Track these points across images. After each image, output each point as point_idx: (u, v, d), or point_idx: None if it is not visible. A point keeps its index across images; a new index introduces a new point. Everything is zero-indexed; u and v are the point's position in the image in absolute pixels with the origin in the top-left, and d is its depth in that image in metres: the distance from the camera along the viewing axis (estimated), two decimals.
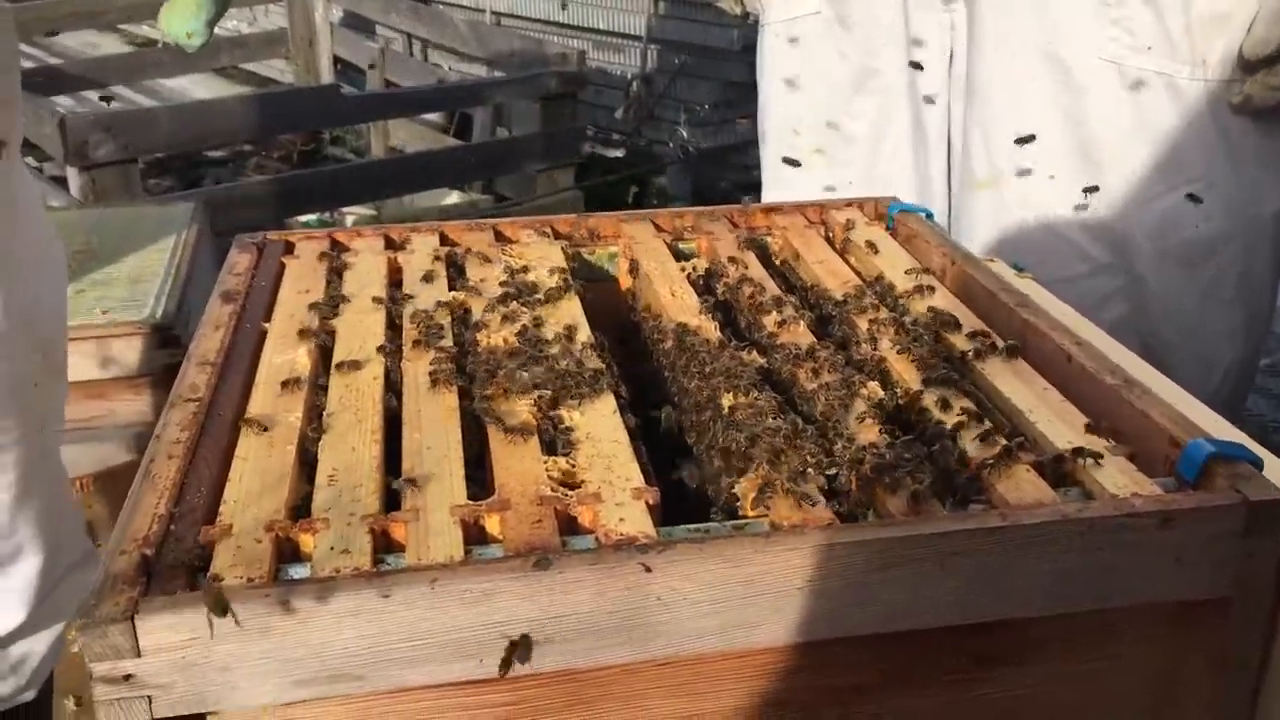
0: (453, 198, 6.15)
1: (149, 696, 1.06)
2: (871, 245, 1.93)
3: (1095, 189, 2.44)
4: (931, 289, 1.75)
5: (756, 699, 1.23)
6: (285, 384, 1.47)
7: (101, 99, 6.98)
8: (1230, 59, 2.35)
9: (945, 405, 1.41)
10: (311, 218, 5.58)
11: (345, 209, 5.82)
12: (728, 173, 6.32)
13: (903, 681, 1.26)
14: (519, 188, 5.99)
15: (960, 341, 1.59)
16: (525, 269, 1.82)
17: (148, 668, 1.06)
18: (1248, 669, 1.27)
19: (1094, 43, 2.40)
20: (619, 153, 6.59)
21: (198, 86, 7.74)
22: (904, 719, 1.27)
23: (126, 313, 2.59)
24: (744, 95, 6.16)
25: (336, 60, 7.41)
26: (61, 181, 4.71)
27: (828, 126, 2.79)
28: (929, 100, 2.68)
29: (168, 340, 2.53)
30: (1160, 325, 2.51)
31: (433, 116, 6.83)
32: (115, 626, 1.03)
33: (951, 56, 2.62)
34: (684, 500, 1.50)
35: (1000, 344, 1.57)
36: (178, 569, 1.12)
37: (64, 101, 6.46)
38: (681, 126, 6.27)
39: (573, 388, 1.44)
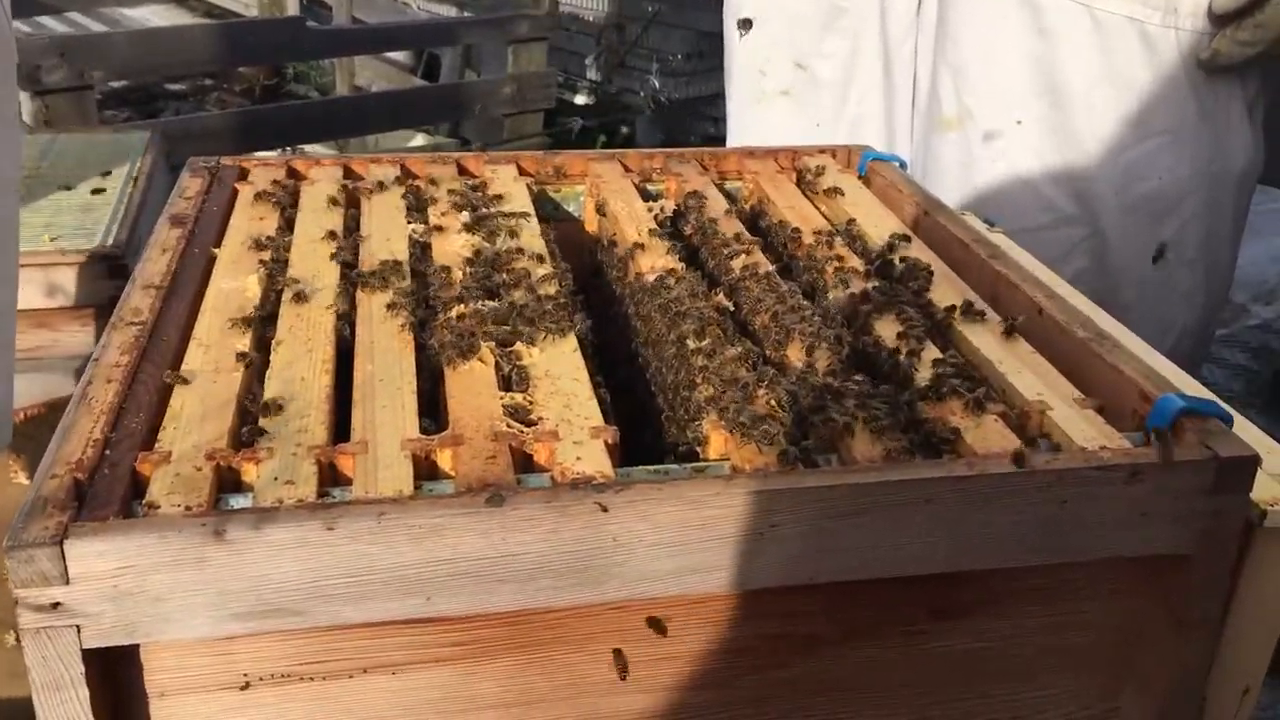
0: (418, 139, 6.04)
1: (77, 626, 1.01)
2: (843, 193, 1.89)
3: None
4: (906, 238, 1.71)
5: (712, 645, 1.20)
6: (233, 311, 1.41)
7: None
8: (1201, 8, 2.32)
9: (913, 353, 1.38)
10: (272, 154, 5.45)
11: (307, 146, 5.69)
12: (699, 124, 6.25)
13: (861, 632, 1.23)
14: (486, 132, 5.89)
15: (932, 292, 1.56)
16: (488, 203, 1.76)
17: (76, 596, 1.01)
18: (1207, 627, 1.25)
19: None
20: (589, 100, 6.49)
21: (157, 16, 7.53)
22: (862, 670, 1.25)
23: (76, 240, 2.51)
24: (717, 46, 6.07)
25: None
26: None
27: (796, 68, 2.74)
28: (897, 41, 2.64)
29: (117, 270, 2.45)
30: (1119, 281, 2.50)
31: (399, 57, 6.69)
32: (42, 551, 0.98)
33: None
34: (640, 444, 1.47)
35: (977, 304, 1.53)
36: (111, 495, 1.07)
37: (18, 26, 6.26)
38: (653, 76, 6.18)
39: (534, 322, 1.40)
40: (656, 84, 6.18)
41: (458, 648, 1.17)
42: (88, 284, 2.48)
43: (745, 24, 2.48)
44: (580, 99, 6.48)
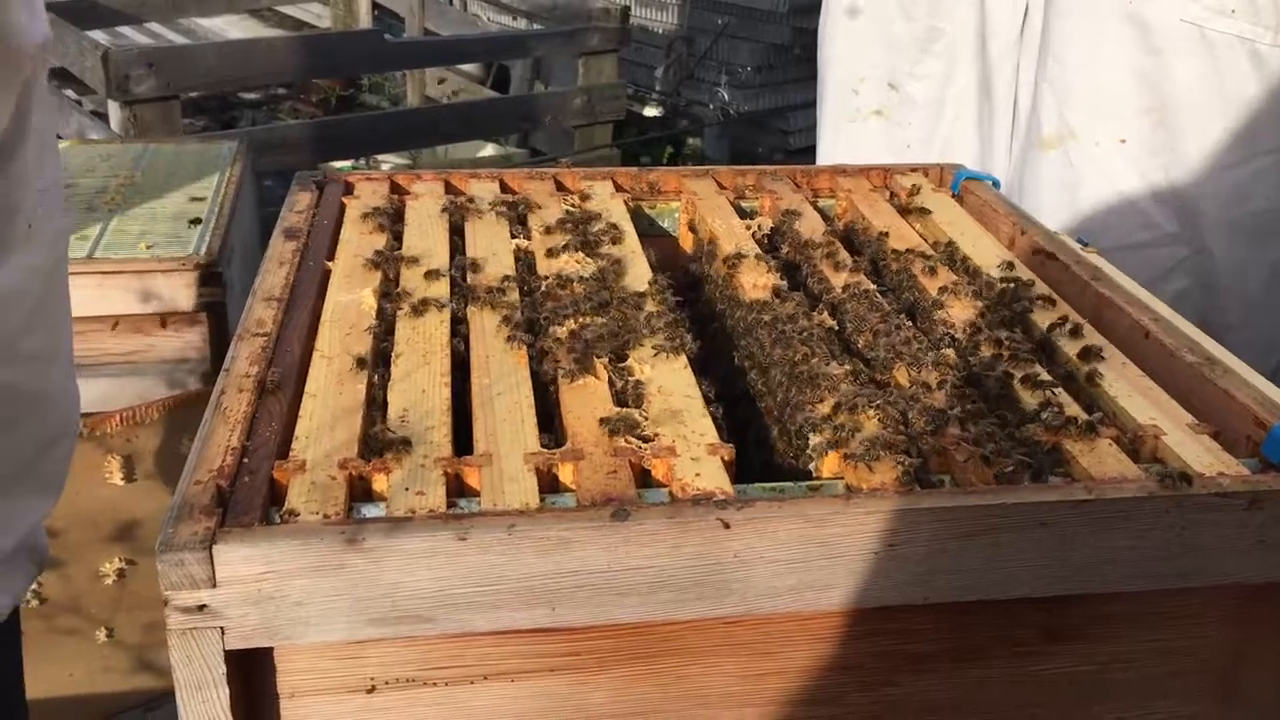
0: (488, 150, 6.10)
1: (222, 627, 1.05)
2: (938, 212, 1.90)
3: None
4: (1010, 263, 1.71)
5: (825, 662, 1.21)
6: (350, 323, 1.45)
7: None
8: None
9: (1025, 375, 1.39)
10: (346, 164, 5.54)
11: (380, 156, 5.78)
12: (767, 137, 6.25)
13: (972, 651, 1.24)
14: (556, 143, 5.94)
15: (1036, 314, 1.56)
16: (588, 219, 1.79)
17: (222, 598, 1.04)
18: None
19: (1176, 4, 2.35)
20: (657, 112, 6.53)
21: (233, 27, 7.68)
22: (972, 689, 1.25)
23: (170, 249, 2.58)
24: (787, 59, 6.08)
25: (375, 6, 7.35)
26: (102, 116, 4.68)
27: (889, 88, 2.75)
28: (999, 60, 2.64)
29: (209, 278, 2.52)
30: (1224, 301, 2.48)
31: (469, 68, 6.76)
32: (193, 555, 1.02)
33: (1026, 14, 2.58)
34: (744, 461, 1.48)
35: (1083, 327, 1.53)
36: (252, 502, 1.11)
37: (99, 36, 6.42)
38: (722, 88, 6.19)
39: (646, 339, 1.42)
40: (725, 96, 6.19)
41: (575, 657, 1.19)
42: (182, 291, 2.55)
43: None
44: (649, 111, 6.51)
